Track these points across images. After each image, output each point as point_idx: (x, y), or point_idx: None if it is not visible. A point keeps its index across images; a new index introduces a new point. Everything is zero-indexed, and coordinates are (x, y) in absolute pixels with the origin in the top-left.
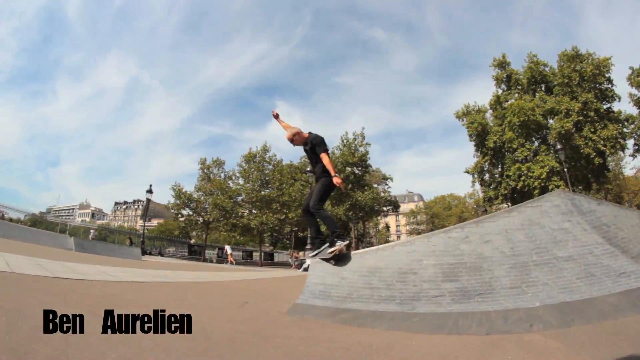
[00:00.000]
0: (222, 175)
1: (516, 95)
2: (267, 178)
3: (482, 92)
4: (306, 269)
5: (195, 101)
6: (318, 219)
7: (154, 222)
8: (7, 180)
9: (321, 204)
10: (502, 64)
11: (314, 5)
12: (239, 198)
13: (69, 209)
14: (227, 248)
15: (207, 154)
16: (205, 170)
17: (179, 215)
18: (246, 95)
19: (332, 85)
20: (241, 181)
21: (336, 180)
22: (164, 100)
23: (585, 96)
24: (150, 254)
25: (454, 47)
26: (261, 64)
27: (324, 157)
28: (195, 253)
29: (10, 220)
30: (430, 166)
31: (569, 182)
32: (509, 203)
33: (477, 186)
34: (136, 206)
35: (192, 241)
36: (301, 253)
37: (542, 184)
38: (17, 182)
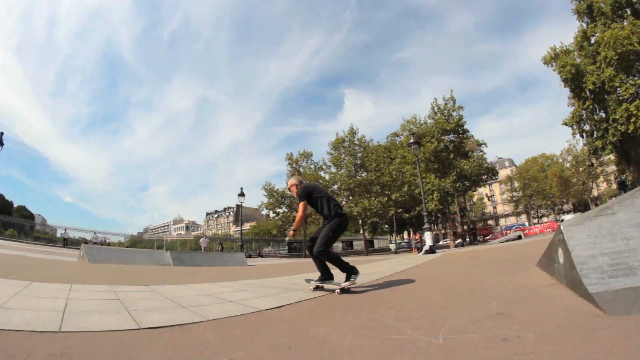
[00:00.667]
0: (312, 167)
1: (601, 26)
2: (362, 161)
3: (552, 36)
4: (427, 251)
5: (264, 106)
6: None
7: (246, 226)
8: (105, 210)
9: (326, 247)
10: None
11: None
12: (334, 187)
13: (164, 226)
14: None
15: (284, 154)
16: (293, 165)
17: (275, 215)
18: (312, 89)
19: (394, 63)
20: (333, 169)
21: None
22: (234, 111)
23: None
24: (250, 256)
25: None
26: (319, 56)
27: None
28: (295, 250)
29: (109, 244)
30: (512, 128)
31: None
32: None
33: (575, 139)
34: (227, 213)
35: (287, 238)
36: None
37: None
38: (114, 211)
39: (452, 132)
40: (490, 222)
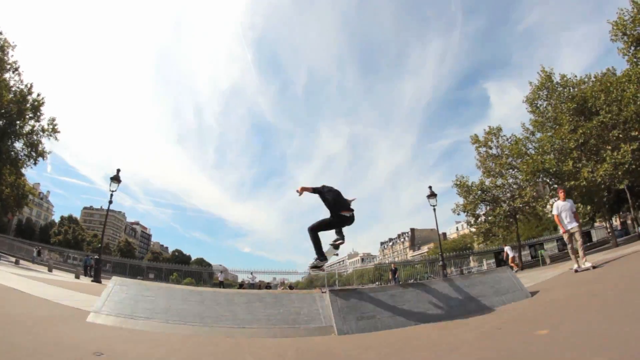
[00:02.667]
0: (507, 142)
1: None
2: (580, 104)
3: None
4: None
5: (412, 126)
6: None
7: (424, 249)
8: (282, 255)
9: (317, 230)
10: None
11: None
12: (550, 156)
13: (339, 262)
14: (507, 249)
15: (446, 168)
16: (482, 149)
17: (474, 220)
18: (453, 95)
19: (522, 36)
20: (538, 136)
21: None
22: (386, 139)
23: None
24: None
25: None
26: (446, 60)
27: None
28: (505, 261)
29: (291, 287)
30: None
31: None
32: None
33: None
34: (402, 239)
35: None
36: None
37: None
38: (290, 254)
39: None
40: None
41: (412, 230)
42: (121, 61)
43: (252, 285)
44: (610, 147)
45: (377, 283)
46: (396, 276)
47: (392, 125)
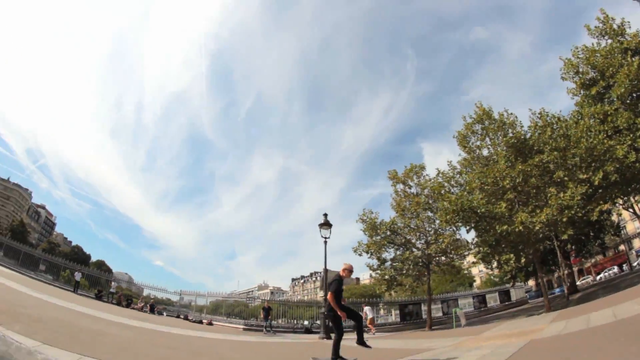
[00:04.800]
0: (429, 182)
1: None
2: (523, 142)
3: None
4: None
5: (345, 171)
6: None
7: None
8: (194, 275)
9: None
10: None
11: (407, 38)
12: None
13: (248, 292)
14: (367, 310)
15: (388, 170)
16: (401, 187)
17: (379, 263)
18: (390, 148)
19: (467, 105)
20: (462, 178)
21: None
22: (316, 179)
23: None
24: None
25: (551, 2)
26: (391, 114)
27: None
28: (411, 316)
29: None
30: None
31: None
32: None
33: None
34: (313, 278)
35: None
36: None
37: None
38: (202, 275)
39: (636, 53)
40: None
41: (325, 270)
42: (75, 34)
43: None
44: (554, 189)
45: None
46: (269, 317)
47: (325, 167)
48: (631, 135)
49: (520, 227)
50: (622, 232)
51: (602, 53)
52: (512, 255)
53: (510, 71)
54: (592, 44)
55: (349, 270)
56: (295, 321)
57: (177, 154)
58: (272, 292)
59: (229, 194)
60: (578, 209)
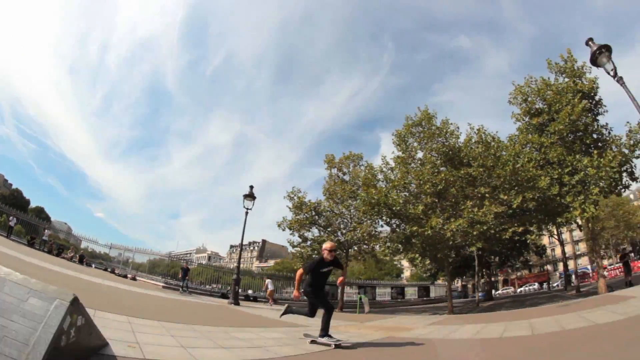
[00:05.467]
0: (363, 171)
1: None
2: (455, 153)
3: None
4: None
5: (300, 146)
6: None
7: (271, 263)
8: (134, 231)
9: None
10: None
11: (391, 30)
12: (406, 194)
13: (186, 254)
14: (268, 282)
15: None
16: (335, 171)
17: (302, 241)
18: (349, 132)
19: (432, 106)
20: (394, 175)
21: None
22: (271, 149)
23: None
24: (254, 299)
25: (541, 33)
26: (357, 99)
27: None
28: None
29: None
30: None
31: None
32: None
33: None
34: (251, 247)
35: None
36: None
37: None
38: (143, 233)
39: (586, 97)
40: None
41: (264, 241)
42: None
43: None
44: (471, 203)
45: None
46: (187, 278)
47: (282, 139)
48: (559, 170)
49: (430, 231)
50: (548, 253)
51: (554, 89)
52: (417, 254)
53: (483, 84)
54: (548, 78)
55: (329, 249)
56: (228, 287)
57: (134, 102)
58: (209, 257)
59: (180, 151)
60: (492, 226)
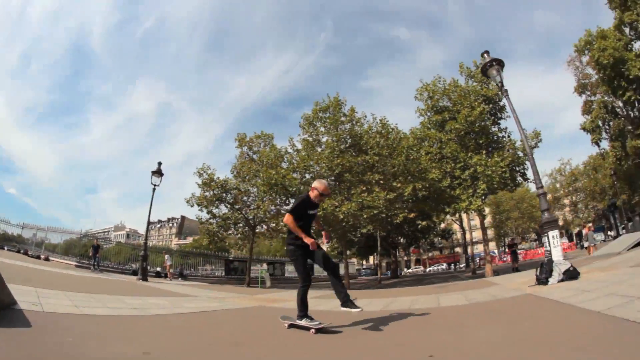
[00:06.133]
0: (271, 154)
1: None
2: (352, 139)
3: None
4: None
5: (226, 120)
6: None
7: (189, 240)
8: (48, 208)
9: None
10: None
11: (333, 11)
12: (308, 175)
13: (104, 232)
14: (166, 257)
15: (238, 132)
16: (245, 149)
17: (210, 217)
18: (276, 109)
19: (361, 91)
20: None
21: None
22: (195, 121)
23: None
24: (165, 276)
25: (477, 37)
26: (288, 76)
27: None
28: (236, 271)
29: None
30: None
31: None
32: None
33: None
34: (170, 224)
35: (232, 256)
36: None
37: None
38: (58, 210)
39: (490, 102)
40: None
41: (183, 217)
42: None
43: None
44: (362, 189)
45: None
46: (97, 255)
47: (207, 111)
48: (452, 164)
49: (321, 212)
50: (459, 237)
51: (459, 90)
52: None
53: (414, 75)
54: (458, 80)
55: (321, 191)
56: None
57: (55, 62)
58: (128, 234)
59: (101, 120)
60: (383, 210)
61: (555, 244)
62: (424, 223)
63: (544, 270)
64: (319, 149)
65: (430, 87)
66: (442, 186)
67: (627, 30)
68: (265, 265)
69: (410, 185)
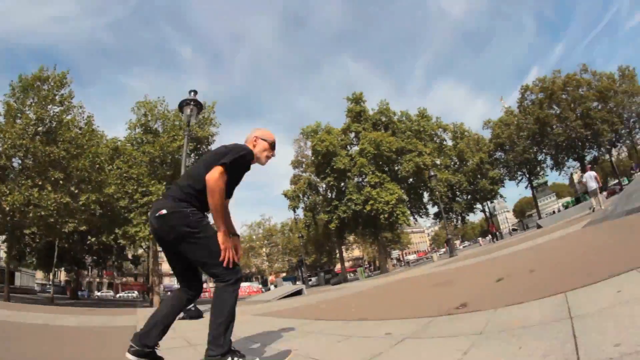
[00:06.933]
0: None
1: (363, 131)
2: (55, 125)
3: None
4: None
5: None
6: None
7: None
8: None
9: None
10: (357, 100)
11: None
12: None
13: None
14: None
15: None
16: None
17: None
18: None
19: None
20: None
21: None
22: None
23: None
24: None
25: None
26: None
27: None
28: None
29: None
30: None
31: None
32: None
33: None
34: None
35: None
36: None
37: (391, 209)
38: None
39: (199, 142)
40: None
41: None
42: None
43: None
44: (38, 182)
45: None
46: None
47: None
48: (135, 187)
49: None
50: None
51: (170, 121)
52: None
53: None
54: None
55: (270, 144)
56: None
57: None
58: None
59: None
60: (53, 214)
61: None
62: (93, 239)
63: None
64: (19, 121)
65: (150, 105)
66: (119, 205)
67: (352, 135)
68: None
69: (87, 194)
